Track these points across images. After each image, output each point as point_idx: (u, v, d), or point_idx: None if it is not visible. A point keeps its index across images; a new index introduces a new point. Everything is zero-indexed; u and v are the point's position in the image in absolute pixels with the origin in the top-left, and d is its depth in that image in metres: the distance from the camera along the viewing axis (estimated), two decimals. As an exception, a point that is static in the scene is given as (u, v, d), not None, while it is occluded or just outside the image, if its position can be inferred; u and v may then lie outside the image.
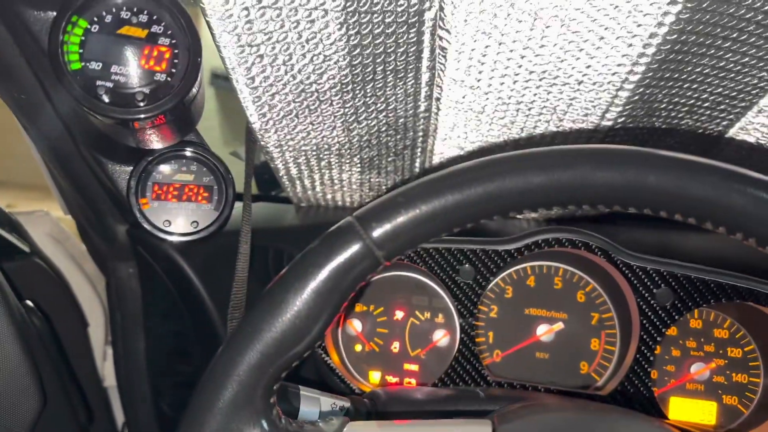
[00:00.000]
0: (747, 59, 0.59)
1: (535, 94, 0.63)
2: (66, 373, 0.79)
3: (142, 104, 0.55)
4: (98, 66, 0.55)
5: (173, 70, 0.56)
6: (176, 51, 0.56)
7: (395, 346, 0.74)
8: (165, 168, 0.66)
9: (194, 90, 0.57)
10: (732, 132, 0.72)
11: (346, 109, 0.65)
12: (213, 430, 0.38)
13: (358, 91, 0.63)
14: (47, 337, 0.77)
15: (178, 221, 0.66)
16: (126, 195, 0.64)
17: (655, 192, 0.38)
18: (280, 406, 0.51)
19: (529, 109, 0.66)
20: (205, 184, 0.66)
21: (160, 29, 0.57)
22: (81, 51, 0.55)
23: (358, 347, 0.74)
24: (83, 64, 0.55)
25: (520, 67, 0.60)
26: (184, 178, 0.65)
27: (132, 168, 0.64)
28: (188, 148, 0.65)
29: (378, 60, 0.59)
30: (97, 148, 0.65)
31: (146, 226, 0.64)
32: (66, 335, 0.84)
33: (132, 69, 0.56)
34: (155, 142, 0.63)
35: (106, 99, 0.55)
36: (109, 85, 0.55)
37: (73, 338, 0.87)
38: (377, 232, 0.40)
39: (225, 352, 0.39)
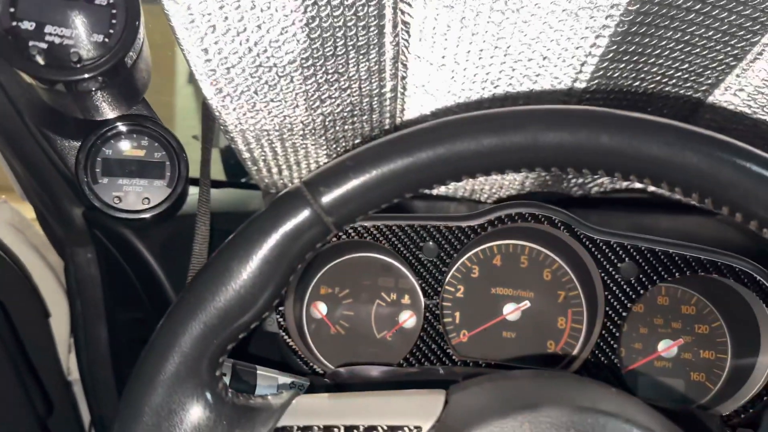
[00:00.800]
0: (711, 33, 0.59)
1: (500, 71, 0.62)
2: (23, 365, 0.77)
3: (78, 66, 0.53)
4: (31, 26, 0.53)
5: (111, 31, 0.54)
6: (114, 11, 0.54)
7: (361, 329, 0.72)
8: (115, 143, 0.64)
9: (132, 54, 0.55)
10: (700, 110, 0.71)
11: (308, 86, 0.64)
12: (155, 404, 0.37)
13: (318, 68, 0.62)
14: (2, 328, 0.74)
15: (128, 198, 0.64)
16: (75, 171, 0.62)
17: (608, 152, 0.37)
18: (237, 385, 0.50)
19: (495, 87, 0.65)
20: (157, 160, 0.64)
21: None
22: (12, 10, 0.53)
23: (324, 330, 0.73)
24: (15, 23, 0.53)
25: (484, 42, 0.59)
26: (135, 153, 0.63)
27: (80, 143, 0.62)
28: (139, 122, 0.63)
29: (338, 34, 0.58)
30: (44, 123, 0.63)
31: (96, 203, 0.62)
32: (25, 326, 0.82)
33: (67, 30, 0.54)
34: (101, 111, 0.60)
35: (40, 60, 0.53)
36: (43, 45, 0.53)
37: (33, 329, 0.85)
38: (326, 198, 0.38)
39: (166, 323, 0.38)
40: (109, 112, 0.61)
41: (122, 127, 0.63)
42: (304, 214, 0.38)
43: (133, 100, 0.62)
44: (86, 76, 0.53)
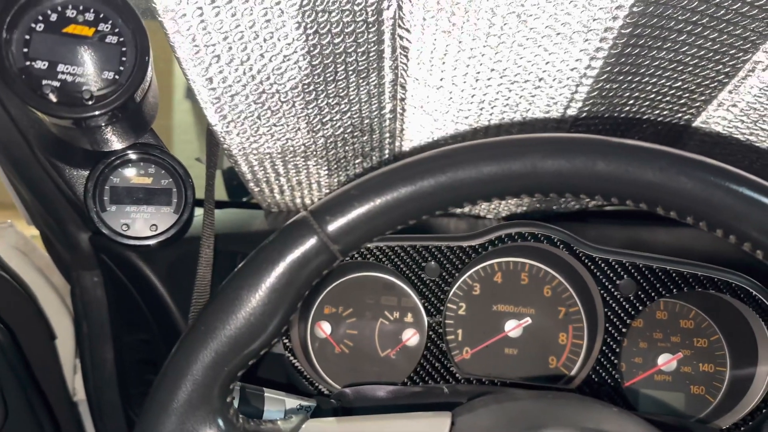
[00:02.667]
0: (703, 52, 0.60)
1: (497, 92, 0.64)
2: (31, 386, 0.78)
3: (89, 103, 0.54)
4: (44, 65, 0.55)
5: (121, 68, 0.56)
6: (124, 49, 0.56)
7: (365, 348, 0.73)
8: (122, 171, 0.66)
9: (143, 88, 0.57)
10: (694, 126, 0.73)
11: (310, 111, 0.65)
12: (168, 431, 0.38)
13: (320, 92, 0.63)
14: (10, 351, 0.75)
15: (136, 225, 0.65)
16: (83, 199, 0.63)
17: (604, 178, 0.38)
18: (245, 409, 0.51)
19: (492, 107, 0.66)
20: (164, 187, 0.65)
21: (107, 27, 0.56)
22: (26, 50, 0.55)
23: (328, 350, 0.73)
24: (28, 63, 0.54)
25: (481, 65, 0.60)
26: (142, 181, 0.64)
27: (89, 172, 0.64)
28: (146, 151, 0.65)
29: (339, 60, 0.59)
30: (53, 153, 0.64)
31: (104, 230, 0.63)
32: (31, 348, 0.82)
33: (79, 68, 0.55)
34: (109, 143, 0.62)
35: (53, 98, 0.54)
36: (56, 84, 0.54)
37: (40, 351, 0.85)
38: (332, 227, 0.40)
39: (178, 351, 0.39)
40: (117, 143, 0.62)
41: (130, 156, 0.64)
42: (311, 242, 0.39)
43: (141, 132, 0.63)
44: (97, 113, 0.54)
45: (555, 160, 0.39)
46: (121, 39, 0.56)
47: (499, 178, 0.39)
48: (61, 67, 0.55)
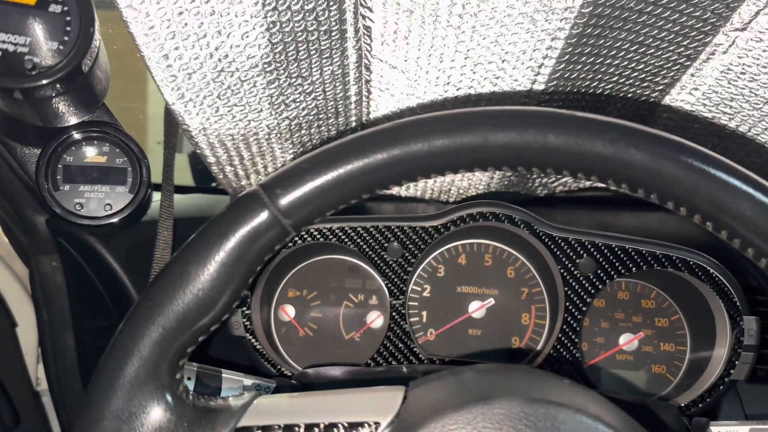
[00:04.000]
0: (664, 34, 0.60)
1: (461, 74, 0.63)
2: (-11, 375, 0.76)
3: (33, 73, 0.53)
4: None
5: (66, 39, 0.54)
6: (68, 19, 0.54)
7: (329, 331, 0.73)
8: (76, 150, 0.64)
9: (88, 60, 0.55)
10: (659, 108, 0.73)
11: (272, 91, 0.64)
12: (115, 407, 0.37)
13: (281, 72, 0.62)
14: (-33, 338, 0.73)
15: (90, 205, 0.63)
16: (35, 178, 0.61)
17: (554, 151, 0.38)
18: (202, 390, 0.51)
19: (457, 90, 0.66)
20: (119, 166, 0.64)
21: None
22: None
23: (292, 333, 0.73)
24: None
25: (444, 46, 0.60)
26: (97, 160, 0.63)
27: (41, 150, 0.62)
28: (100, 129, 0.63)
29: (300, 39, 0.59)
30: (3, 131, 0.63)
31: (57, 210, 0.62)
32: (-10, 336, 0.81)
33: (21, 38, 0.54)
34: (60, 118, 0.60)
35: None
36: None
37: (-1, 339, 0.83)
38: (283, 200, 0.39)
39: (125, 327, 0.38)
40: (68, 118, 0.60)
41: (83, 134, 0.63)
42: (262, 216, 0.39)
43: (92, 106, 0.62)
44: (42, 82, 0.53)
45: (505, 133, 0.39)
46: (66, 8, 0.54)
47: (451, 151, 0.39)
48: (2, 36, 0.53)
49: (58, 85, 0.54)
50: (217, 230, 0.39)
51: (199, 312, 0.38)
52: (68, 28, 0.54)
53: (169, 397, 0.38)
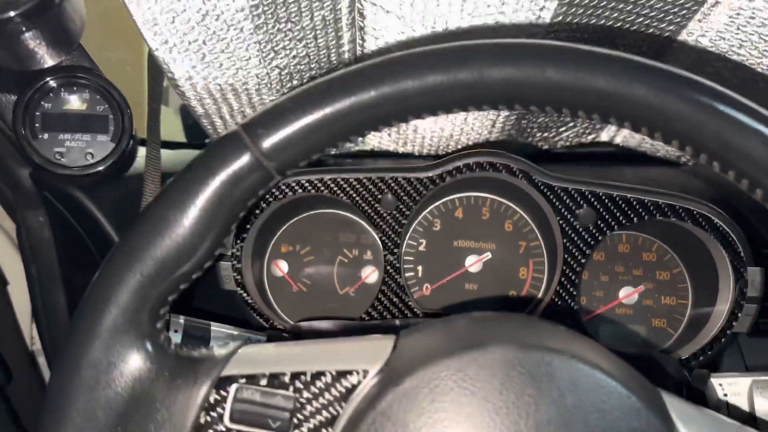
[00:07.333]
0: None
1: (460, 19, 0.61)
2: (-22, 332, 0.75)
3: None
4: None
5: (30, -34, 0.52)
6: None
7: (324, 286, 0.72)
8: (54, 97, 0.61)
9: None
10: (663, 59, 0.70)
11: (260, 37, 0.61)
12: (93, 357, 0.36)
13: (269, 17, 0.59)
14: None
15: (71, 154, 0.61)
16: (13, 126, 0.59)
17: (554, 87, 0.36)
18: (189, 342, 0.49)
19: (455, 36, 0.63)
20: (100, 114, 0.62)
21: None
22: None
23: (286, 288, 0.72)
24: None
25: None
26: (76, 107, 0.61)
27: (17, 98, 0.60)
28: (79, 74, 0.60)
29: (288, -20, 0.56)
30: (-22, 78, 0.60)
31: (36, 159, 0.60)
32: (-20, 294, 0.79)
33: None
34: (35, 59, 0.57)
35: None
36: None
37: (-11, 298, 0.82)
38: (266, 142, 0.37)
39: (102, 274, 0.37)
40: (44, 58, 0.57)
41: (61, 80, 0.60)
42: (243, 159, 0.37)
43: (67, 46, 0.59)
44: (10, 14, 0.50)
45: (503, 68, 0.36)
46: None
47: (444, 88, 0.37)
48: None
49: (27, 20, 0.51)
50: (196, 174, 0.37)
51: (179, 258, 0.36)
52: None
53: (149, 346, 0.36)
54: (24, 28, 0.53)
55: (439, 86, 0.37)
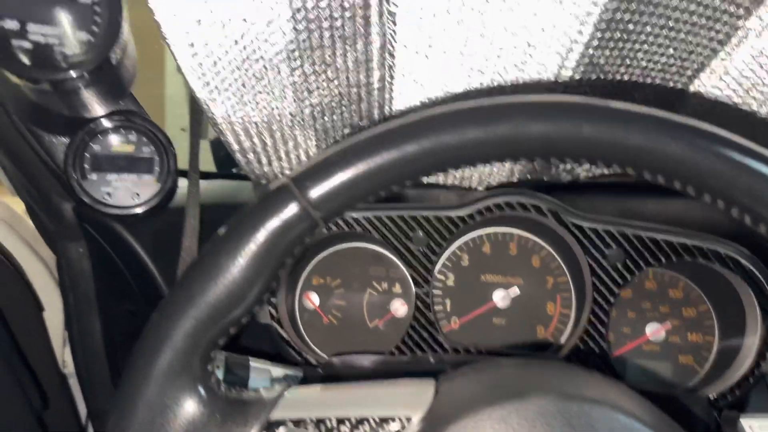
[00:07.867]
0: (696, 18, 0.59)
1: (486, 60, 0.62)
2: (17, 359, 0.77)
3: (63, 64, 0.53)
4: (14, 25, 0.53)
5: (94, 29, 0.54)
6: (97, 8, 0.54)
7: (353, 318, 0.73)
8: (103, 139, 0.64)
9: (117, 50, 0.55)
10: (687, 94, 0.72)
11: (295, 78, 0.64)
12: (149, 399, 0.37)
13: (305, 59, 0.62)
14: (-4, 323, 0.74)
15: (118, 194, 0.64)
16: (64, 167, 0.62)
17: (589, 142, 0.38)
18: (230, 378, 0.51)
19: (482, 75, 0.65)
20: (146, 155, 0.64)
21: None
22: None
23: (317, 320, 0.73)
24: None
25: (469, 30, 0.59)
26: (124, 149, 0.63)
27: (69, 140, 0.62)
28: (127, 118, 0.63)
29: (324, 25, 0.58)
30: (31, 120, 0.63)
31: (85, 199, 0.62)
32: (18, 320, 0.82)
33: (51, 29, 0.54)
34: (88, 108, 0.60)
35: (25, 60, 0.53)
36: (27, 45, 0.53)
37: (27, 323, 0.85)
38: (313, 193, 0.39)
39: (158, 318, 0.38)
40: (96, 108, 0.60)
41: (110, 123, 0.63)
42: (292, 209, 0.39)
43: (119, 96, 0.62)
44: (72, 75, 0.53)
45: (540, 123, 0.38)
46: None
47: (483, 142, 0.39)
48: (32, 27, 0.53)
49: (87, 76, 0.54)
50: (248, 223, 0.38)
51: (230, 303, 0.38)
52: (97, 18, 0.54)
53: (201, 390, 0.38)
54: (82, 84, 0.56)
55: (478, 141, 0.39)
